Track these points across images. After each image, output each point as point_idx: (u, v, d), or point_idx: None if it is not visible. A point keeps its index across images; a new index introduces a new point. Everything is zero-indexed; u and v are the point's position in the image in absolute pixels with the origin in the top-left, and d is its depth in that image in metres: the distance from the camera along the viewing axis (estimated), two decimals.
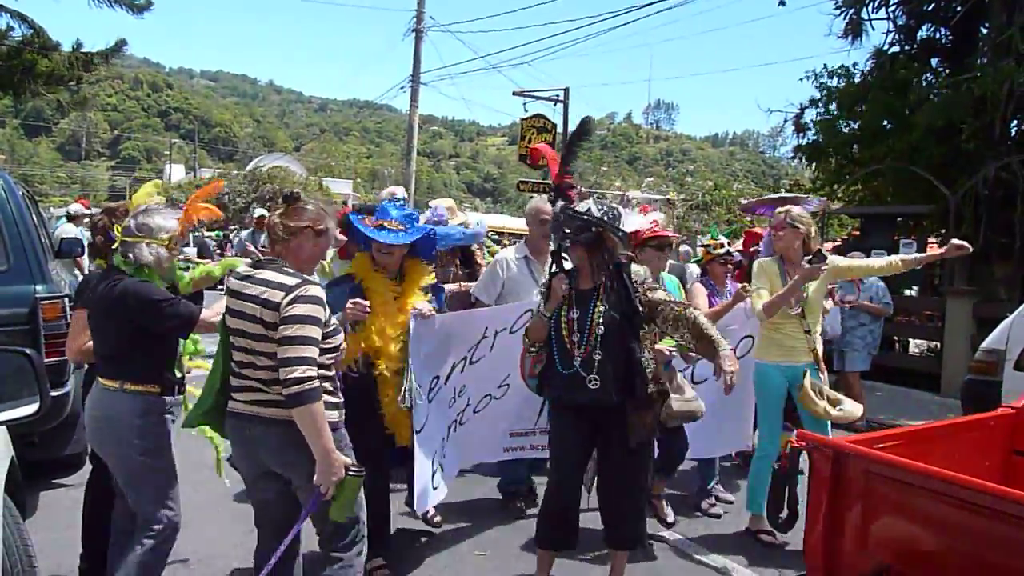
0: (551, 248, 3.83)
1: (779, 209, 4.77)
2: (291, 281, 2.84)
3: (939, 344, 10.67)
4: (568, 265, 3.78)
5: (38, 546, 2.93)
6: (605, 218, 3.56)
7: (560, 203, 3.68)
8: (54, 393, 4.45)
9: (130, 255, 3.22)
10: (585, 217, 3.56)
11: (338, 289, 3.86)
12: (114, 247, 3.29)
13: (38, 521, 4.55)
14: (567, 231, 3.58)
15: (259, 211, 9.96)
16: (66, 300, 4.89)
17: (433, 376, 4.18)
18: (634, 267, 3.88)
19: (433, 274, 4.27)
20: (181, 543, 4.16)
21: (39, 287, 4.82)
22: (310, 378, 2.70)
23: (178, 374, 3.43)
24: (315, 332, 2.78)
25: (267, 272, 2.90)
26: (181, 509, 3.35)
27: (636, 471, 3.69)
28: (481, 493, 5.50)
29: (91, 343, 3.36)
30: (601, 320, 3.56)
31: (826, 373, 4.71)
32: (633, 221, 4.58)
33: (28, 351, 2.45)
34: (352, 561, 3.03)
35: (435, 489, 4.19)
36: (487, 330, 4.42)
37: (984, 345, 6.64)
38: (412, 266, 4.09)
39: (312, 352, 2.75)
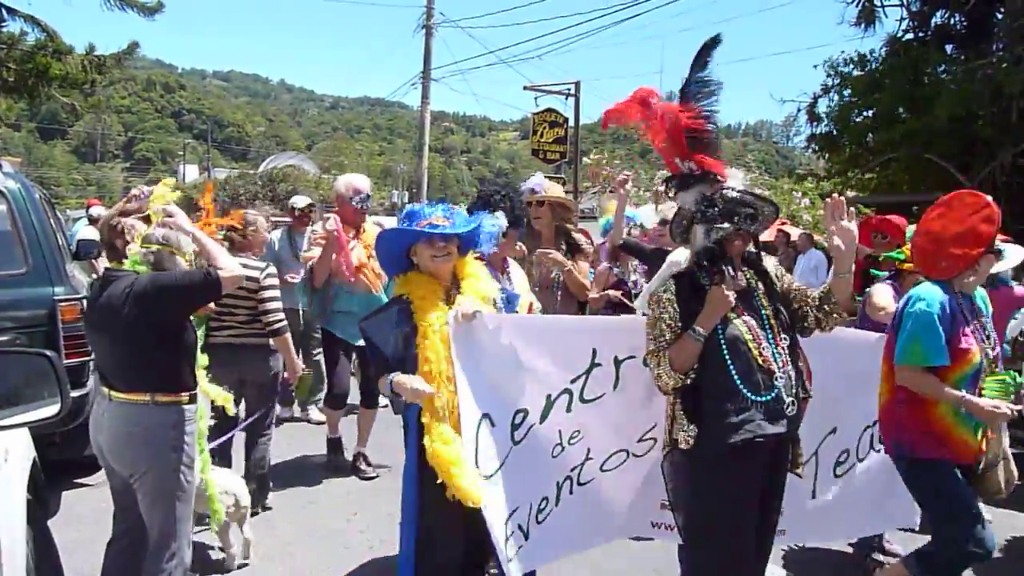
0: (702, 242, 2.86)
1: None
2: (261, 264, 4.84)
3: None
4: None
5: (61, 545, 2.98)
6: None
7: (711, 186, 2.86)
8: (74, 394, 4.47)
9: (151, 260, 3.16)
10: (760, 201, 2.83)
11: (383, 316, 3.17)
12: (132, 253, 3.23)
13: (61, 520, 4.60)
14: (731, 221, 2.77)
15: (302, 200, 7.62)
16: (84, 302, 4.93)
17: (515, 409, 3.15)
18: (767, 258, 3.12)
19: (491, 281, 3.39)
20: (206, 535, 4.23)
21: (58, 289, 4.87)
22: (283, 319, 4.75)
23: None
24: (278, 292, 4.81)
25: (240, 259, 4.10)
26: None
27: (778, 514, 3.02)
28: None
29: None
30: (782, 326, 2.85)
31: None
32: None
33: (49, 353, 2.47)
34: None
35: (510, 562, 3.00)
36: (597, 353, 3.26)
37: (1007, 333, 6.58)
38: (463, 270, 3.28)
39: (280, 304, 4.76)
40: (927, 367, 3.14)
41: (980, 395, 3.14)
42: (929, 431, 3.19)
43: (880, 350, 3.44)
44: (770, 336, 2.82)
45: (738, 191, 2.82)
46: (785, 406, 2.78)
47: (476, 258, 3.46)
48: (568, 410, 3.26)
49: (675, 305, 2.85)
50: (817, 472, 3.63)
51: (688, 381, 2.80)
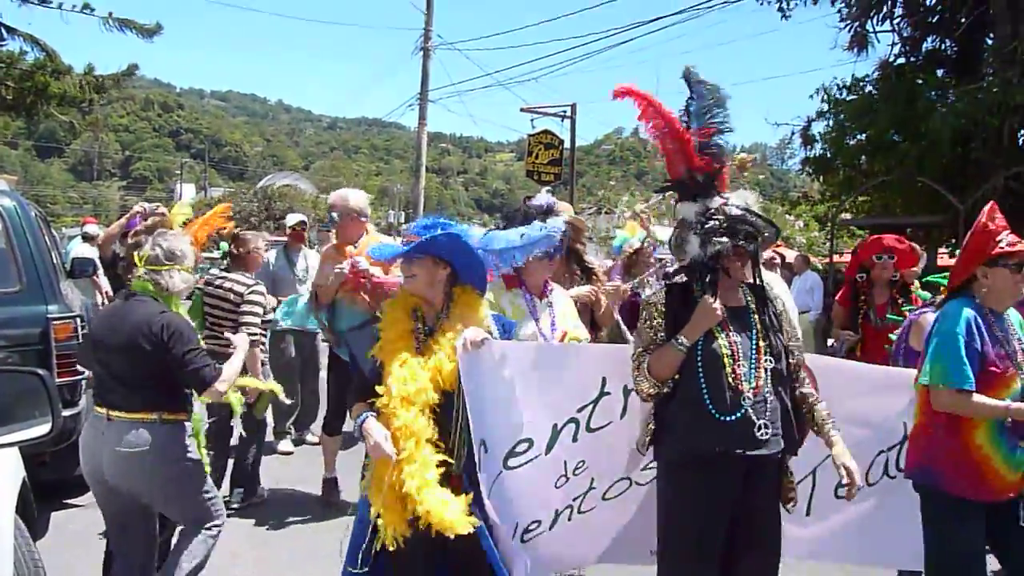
0: (695, 258, 2.82)
1: None
2: (250, 281, 5.12)
3: None
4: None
5: (50, 566, 2.94)
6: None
7: (715, 200, 2.82)
8: (66, 413, 4.47)
9: (161, 282, 3.26)
10: (762, 222, 2.82)
11: (368, 330, 3.06)
12: (138, 274, 3.29)
13: (50, 541, 4.55)
14: (730, 237, 2.73)
15: (292, 218, 7.48)
16: (78, 320, 4.92)
17: (518, 438, 3.06)
18: (769, 277, 3.12)
19: (485, 310, 3.11)
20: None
21: (51, 307, 4.85)
22: (256, 334, 4.93)
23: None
24: (261, 309, 5.09)
25: (233, 275, 5.12)
26: None
27: (778, 545, 2.94)
28: None
29: None
30: (770, 349, 2.82)
31: None
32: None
33: (41, 372, 2.46)
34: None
35: None
36: (607, 382, 3.18)
37: None
38: (461, 299, 3.03)
39: (256, 320, 5.02)
40: (956, 389, 2.95)
41: None
42: (965, 461, 3.00)
43: (899, 385, 3.39)
44: (753, 358, 2.79)
45: (741, 209, 2.80)
46: (756, 428, 2.73)
47: (512, 281, 3.47)
48: (574, 440, 3.18)
49: (663, 313, 2.85)
50: (813, 491, 3.54)
51: (666, 390, 2.80)
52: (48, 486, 4.89)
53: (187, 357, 3.16)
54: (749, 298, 2.91)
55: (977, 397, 2.94)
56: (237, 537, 4.74)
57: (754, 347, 2.81)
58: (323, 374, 7.68)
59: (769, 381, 2.79)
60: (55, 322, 4.81)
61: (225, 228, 5.19)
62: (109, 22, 13.54)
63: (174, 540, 3.47)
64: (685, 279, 2.90)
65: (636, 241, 5.55)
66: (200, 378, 3.20)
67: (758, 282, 2.93)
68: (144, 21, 13.94)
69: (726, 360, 2.75)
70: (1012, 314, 3.22)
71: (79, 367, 4.82)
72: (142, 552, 3.35)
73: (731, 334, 2.80)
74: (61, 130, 61.43)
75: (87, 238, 11.18)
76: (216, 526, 3.38)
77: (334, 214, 5.08)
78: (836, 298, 5.66)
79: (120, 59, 14.69)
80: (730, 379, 2.74)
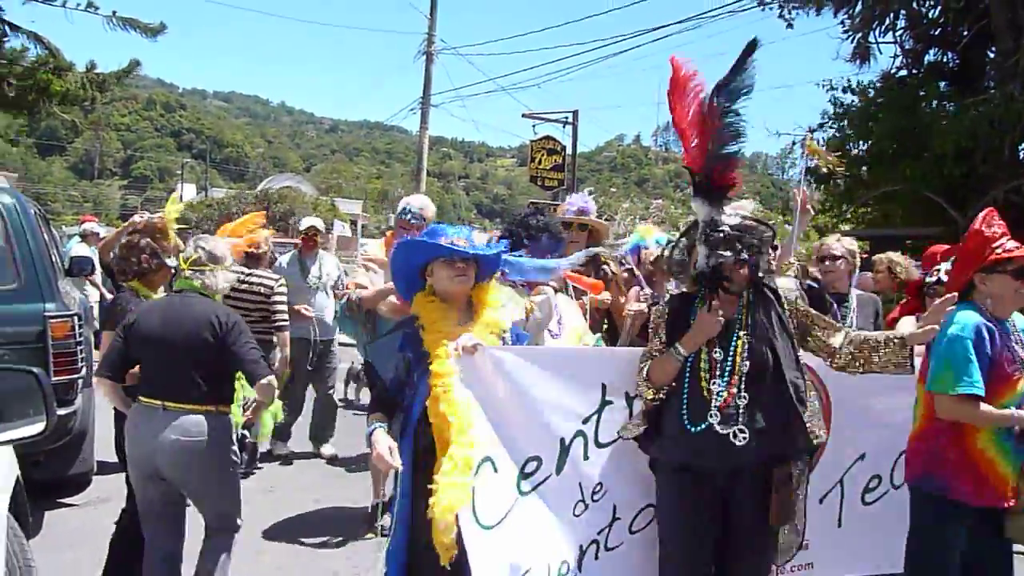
0: (700, 269, 2.83)
1: None
2: (275, 276, 5.85)
3: None
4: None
5: (41, 566, 2.92)
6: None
7: (719, 209, 2.84)
8: (61, 412, 4.44)
9: (207, 282, 3.48)
10: (761, 226, 2.87)
11: (389, 339, 3.09)
12: (184, 273, 3.48)
13: (44, 541, 4.52)
14: (732, 251, 2.77)
15: (309, 221, 7.04)
16: (76, 319, 4.90)
17: (526, 456, 2.89)
18: (782, 281, 3.16)
19: (502, 302, 3.10)
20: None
21: (49, 305, 4.84)
22: (287, 319, 5.80)
23: None
24: (286, 299, 5.81)
25: (258, 272, 5.73)
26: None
27: (766, 556, 2.88)
28: None
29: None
30: (747, 355, 2.78)
31: None
32: None
33: (35, 370, 2.45)
34: None
35: None
36: (607, 389, 3.04)
37: None
38: (480, 296, 3.05)
39: (285, 307, 5.77)
40: (964, 395, 2.88)
41: None
42: (968, 466, 2.95)
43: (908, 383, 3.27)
44: (727, 370, 2.79)
45: (743, 218, 2.86)
46: (731, 437, 2.72)
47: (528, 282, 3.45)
48: (586, 457, 3.00)
49: (665, 322, 2.93)
50: (843, 501, 3.48)
51: (663, 396, 2.87)
52: (42, 485, 4.88)
53: (247, 349, 3.38)
54: (743, 307, 2.86)
55: (983, 406, 2.89)
56: None
57: (731, 358, 2.80)
58: (340, 384, 7.54)
59: (745, 387, 2.76)
60: (52, 320, 4.78)
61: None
62: (113, 21, 13.53)
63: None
64: (686, 290, 3.00)
65: (654, 246, 4.73)
66: (257, 370, 3.40)
67: (765, 284, 2.92)
68: (148, 21, 13.96)
69: (703, 375, 2.81)
70: (1016, 316, 3.17)
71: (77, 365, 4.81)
72: (173, 541, 3.49)
73: (715, 347, 2.82)
74: (63, 128, 61.37)
75: (85, 236, 11.15)
76: (236, 530, 3.54)
77: (409, 216, 4.57)
78: (898, 314, 4.76)
79: (123, 60, 14.68)
80: (704, 393, 2.79)
